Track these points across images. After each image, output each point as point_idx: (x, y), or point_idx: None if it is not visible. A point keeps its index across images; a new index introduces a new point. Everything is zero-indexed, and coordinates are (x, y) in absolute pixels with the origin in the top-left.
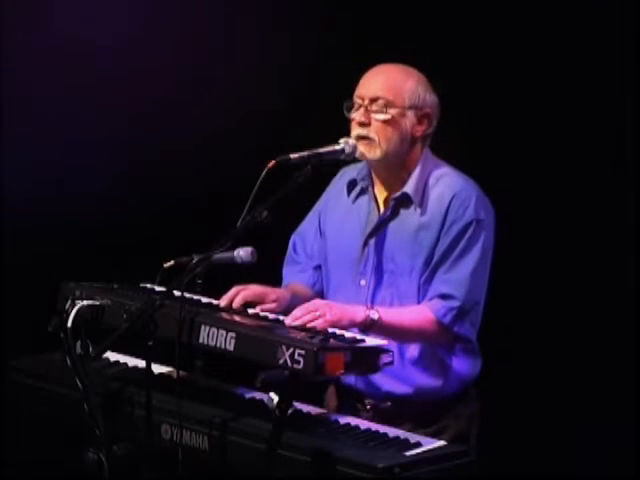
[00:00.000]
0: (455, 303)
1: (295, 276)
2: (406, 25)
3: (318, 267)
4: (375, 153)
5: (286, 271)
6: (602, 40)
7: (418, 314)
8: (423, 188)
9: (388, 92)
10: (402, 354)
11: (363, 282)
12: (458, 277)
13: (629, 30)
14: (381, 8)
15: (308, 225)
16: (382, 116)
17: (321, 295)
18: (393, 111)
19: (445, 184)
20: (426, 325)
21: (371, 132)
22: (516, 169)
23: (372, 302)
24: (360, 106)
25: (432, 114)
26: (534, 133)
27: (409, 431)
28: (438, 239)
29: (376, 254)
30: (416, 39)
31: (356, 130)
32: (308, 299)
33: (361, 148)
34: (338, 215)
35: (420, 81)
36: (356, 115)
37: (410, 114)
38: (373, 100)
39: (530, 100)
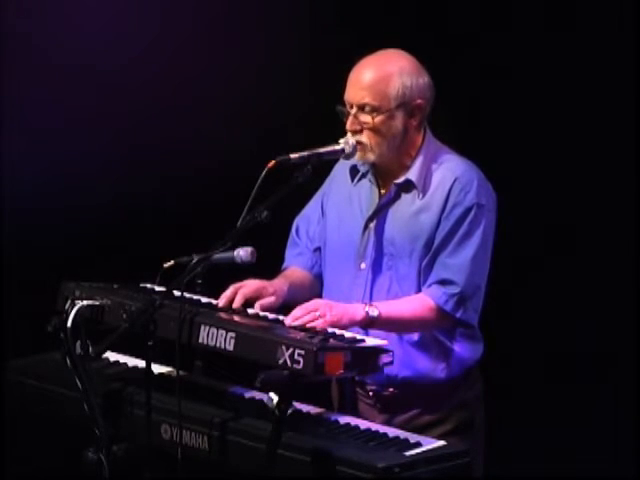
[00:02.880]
0: (455, 289)
1: (294, 259)
2: (405, 24)
3: (318, 249)
4: (369, 157)
5: (287, 253)
6: (604, 29)
7: (418, 304)
8: (426, 174)
9: (373, 98)
10: (400, 336)
11: (363, 265)
12: (459, 262)
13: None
14: (380, 7)
15: (311, 209)
16: (370, 123)
17: (320, 278)
18: (381, 117)
19: (447, 168)
20: (427, 314)
21: (363, 138)
22: (517, 154)
23: (371, 285)
24: (349, 113)
25: (424, 102)
26: (535, 119)
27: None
28: (439, 222)
29: (376, 237)
30: (417, 38)
31: (349, 137)
32: (305, 287)
33: (358, 153)
34: (340, 199)
35: (404, 71)
36: (347, 122)
37: (399, 113)
38: (360, 107)
39: (534, 86)
